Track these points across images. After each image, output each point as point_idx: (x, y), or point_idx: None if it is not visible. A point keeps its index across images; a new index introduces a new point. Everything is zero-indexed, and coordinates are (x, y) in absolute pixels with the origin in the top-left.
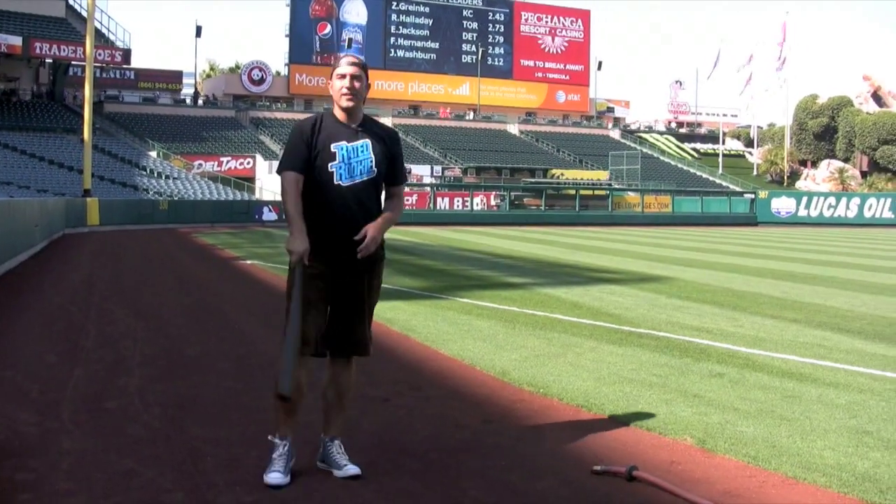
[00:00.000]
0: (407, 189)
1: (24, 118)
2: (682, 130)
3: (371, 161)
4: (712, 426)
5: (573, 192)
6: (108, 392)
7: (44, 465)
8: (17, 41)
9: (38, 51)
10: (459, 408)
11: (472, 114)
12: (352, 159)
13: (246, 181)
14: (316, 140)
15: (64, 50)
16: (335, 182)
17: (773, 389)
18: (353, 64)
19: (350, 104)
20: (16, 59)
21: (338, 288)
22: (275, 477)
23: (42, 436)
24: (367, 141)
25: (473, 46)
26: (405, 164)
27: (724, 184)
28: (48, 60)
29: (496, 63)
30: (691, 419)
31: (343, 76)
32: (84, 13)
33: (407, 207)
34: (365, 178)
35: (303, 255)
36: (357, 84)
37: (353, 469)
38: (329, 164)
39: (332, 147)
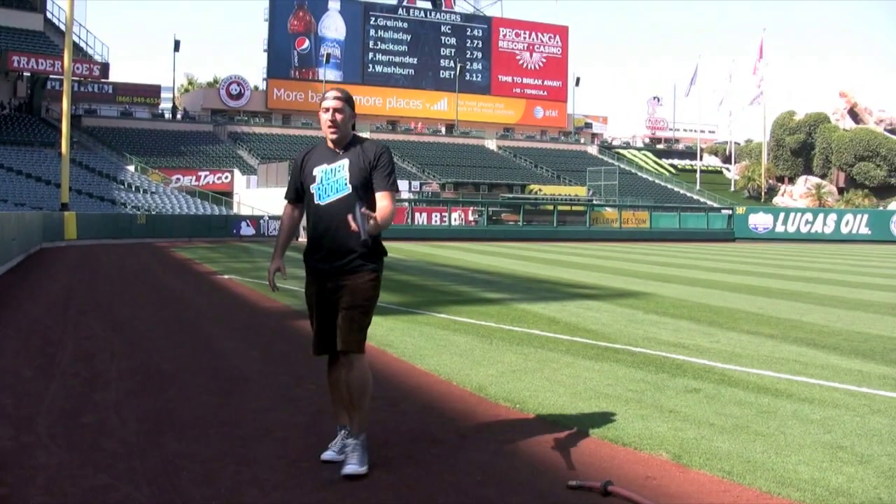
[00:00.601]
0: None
1: (1, 132)
2: (660, 146)
3: (345, 178)
4: (688, 441)
5: (551, 207)
6: (85, 406)
7: (19, 480)
8: None
9: (15, 64)
10: (435, 423)
11: (443, 129)
12: (328, 179)
13: (224, 195)
14: (304, 168)
15: (42, 63)
16: (315, 202)
17: (749, 405)
18: (336, 98)
19: (334, 136)
20: None
21: (325, 296)
22: (328, 454)
23: (17, 450)
24: (345, 160)
25: (451, 62)
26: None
27: (702, 199)
28: (26, 74)
29: (474, 78)
30: (667, 434)
31: (327, 110)
32: (62, 27)
33: None
34: (340, 196)
35: (271, 273)
36: (339, 116)
37: (351, 468)
38: (311, 187)
39: (315, 171)
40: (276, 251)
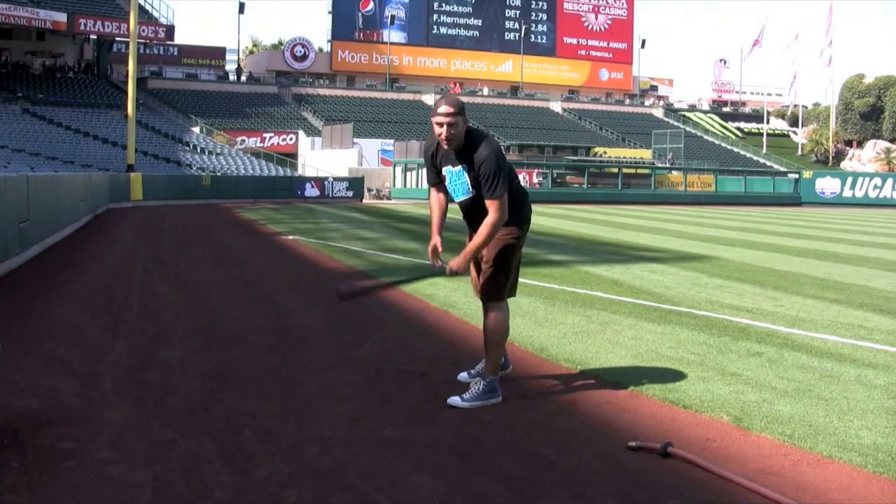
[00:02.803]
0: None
1: (68, 94)
2: (726, 109)
3: (467, 184)
4: (749, 404)
5: (616, 170)
6: (150, 364)
7: (86, 435)
8: (61, 17)
9: (82, 27)
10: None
11: (485, 90)
12: (454, 182)
13: (289, 157)
14: (434, 162)
15: (108, 26)
16: (451, 198)
17: (812, 369)
18: (447, 114)
19: (447, 147)
20: (60, 35)
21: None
22: (462, 375)
23: (84, 406)
24: (462, 167)
25: (516, 24)
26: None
27: (768, 163)
28: (92, 37)
29: (539, 41)
30: (728, 397)
31: (441, 124)
32: None
33: None
34: (468, 197)
35: (430, 250)
36: (453, 130)
37: (454, 399)
38: (446, 184)
39: (444, 171)
40: (433, 230)
